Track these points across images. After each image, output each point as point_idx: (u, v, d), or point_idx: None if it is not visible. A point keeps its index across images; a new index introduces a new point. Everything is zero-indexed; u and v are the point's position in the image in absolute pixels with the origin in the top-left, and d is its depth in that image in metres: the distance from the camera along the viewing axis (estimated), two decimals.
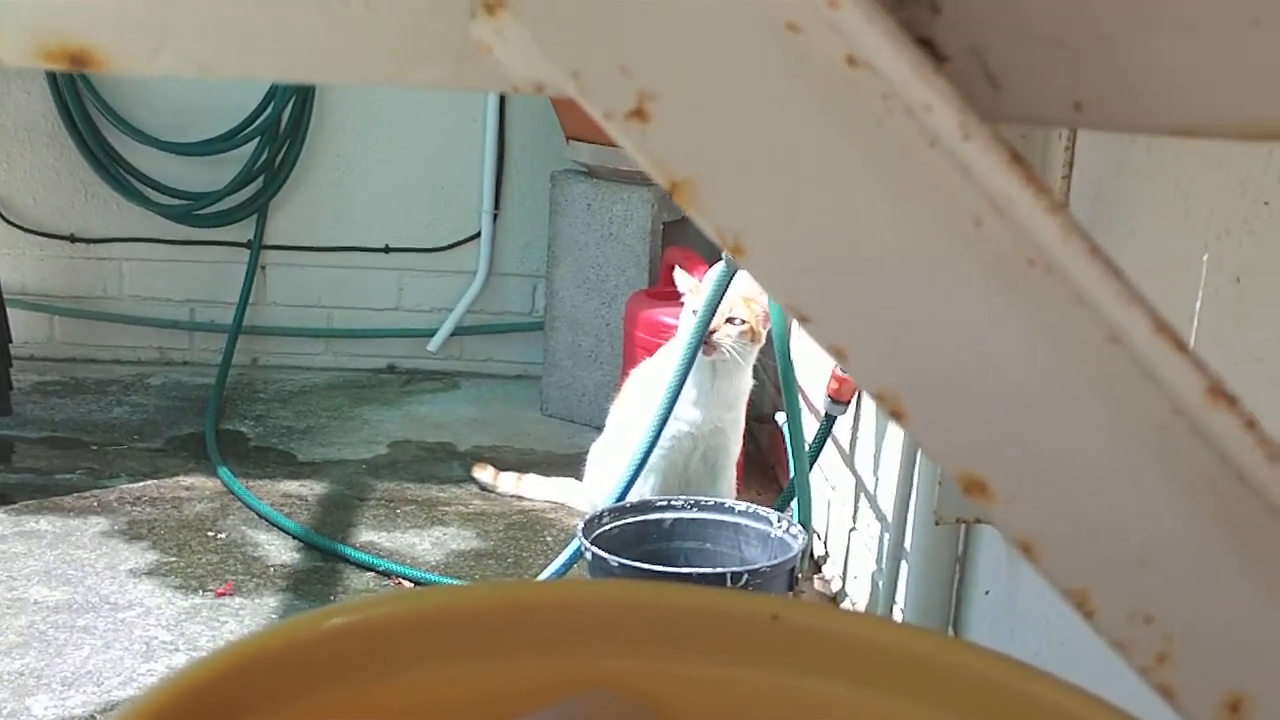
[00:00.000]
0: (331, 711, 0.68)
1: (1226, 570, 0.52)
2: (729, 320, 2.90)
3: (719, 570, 2.48)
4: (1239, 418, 0.47)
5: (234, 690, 0.67)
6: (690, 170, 0.50)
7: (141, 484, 3.50)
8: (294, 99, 4.37)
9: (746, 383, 3.04)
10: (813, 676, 0.70)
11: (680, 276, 3.11)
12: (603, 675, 0.70)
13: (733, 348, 2.90)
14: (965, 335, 0.51)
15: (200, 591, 2.89)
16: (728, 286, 2.83)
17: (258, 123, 4.38)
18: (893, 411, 0.51)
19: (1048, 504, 0.52)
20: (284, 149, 4.45)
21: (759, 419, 3.69)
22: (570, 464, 3.64)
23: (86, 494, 3.42)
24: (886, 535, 2.61)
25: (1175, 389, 0.47)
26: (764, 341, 2.98)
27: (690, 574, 2.46)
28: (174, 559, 3.05)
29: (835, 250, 0.51)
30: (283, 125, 4.43)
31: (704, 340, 2.86)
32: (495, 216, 4.58)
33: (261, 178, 4.46)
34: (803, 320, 0.51)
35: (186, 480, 3.55)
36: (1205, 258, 1.45)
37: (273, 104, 4.37)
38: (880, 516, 2.75)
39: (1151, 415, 0.49)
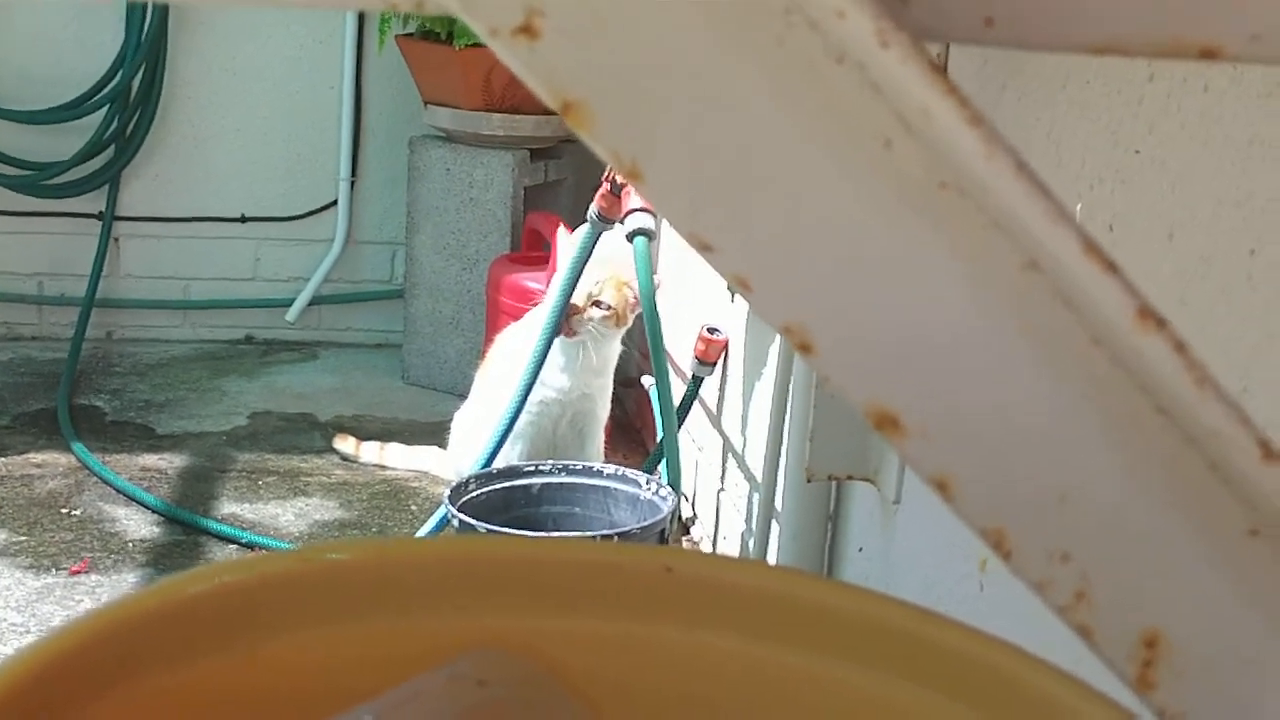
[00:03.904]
0: (209, 678, 0.64)
1: (1144, 505, 0.50)
2: (595, 304, 2.87)
3: (589, 535, 2.46)
4: (1169, 341, 0.45)
5: (99, 659, 0.63)
6: (583, 90, 0.47)
7: None
8: (144, 66, 4.24)
9: (615, 349, 3.01)
10: (707, 628, 0.67)
11: (564, 239, 3.05)
12: (492, 633, 0.67)
13: (593, 329, 2.87)
14: (875, 264, 0.48)
15: (53, 570, 2.80)
16: (590, 253, 2.79)
17: (106, 90, 4.23)
18: (800, 345, 0.49)
19: (963, 439, 0.49)
20: (135, 117, 4.32)
21: (625, 383, 3.66)
22: (433, 432, 3.60)
23: None
24: (756, 495, 2.60)
25: (1104, 312, 0.45)
26: (630, 324, 2.95)
27: (559, 539, 2.44)
28: (24, 538, 2.95)
29: (737, 176, 0.48)
30: (133, 93, 4.28)
31: (564, 318, 2.83)
32: (352, 183, 4.51)
33: (112, 147, 4.32)
34: (704, 249, 0.48)
35: (37, 457, 3.44)
36: (1079, 207, 1.45)
37: (122, 71, 4.22)
38: (749, 476, 2.74)
39: (1070, 345, 0.47)
